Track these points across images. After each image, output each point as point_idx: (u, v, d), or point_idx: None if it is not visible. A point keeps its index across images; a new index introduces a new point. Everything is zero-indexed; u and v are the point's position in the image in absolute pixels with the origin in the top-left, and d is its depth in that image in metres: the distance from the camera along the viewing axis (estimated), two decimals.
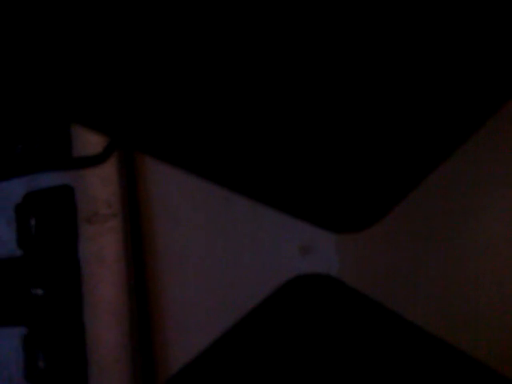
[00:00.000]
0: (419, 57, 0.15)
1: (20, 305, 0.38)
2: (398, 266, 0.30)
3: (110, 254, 0.38)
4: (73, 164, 0.38)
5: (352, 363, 0.20)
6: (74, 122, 0.18)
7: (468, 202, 0.28)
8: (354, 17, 0.13)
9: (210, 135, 0.18)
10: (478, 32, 0.14)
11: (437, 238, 0.29)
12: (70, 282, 0.38)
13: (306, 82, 0.16)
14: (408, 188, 0.21)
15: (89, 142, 0.38)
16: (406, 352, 0.20)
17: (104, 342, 0.37)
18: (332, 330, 0.21)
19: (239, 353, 0.21)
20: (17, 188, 0.40)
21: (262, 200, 0.21)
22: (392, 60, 0.15)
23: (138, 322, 0.37)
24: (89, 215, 0.39)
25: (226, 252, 0.35)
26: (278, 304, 0.22)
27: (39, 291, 0.38)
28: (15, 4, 0.13)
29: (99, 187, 0.39)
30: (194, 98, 0.16)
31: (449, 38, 0.14)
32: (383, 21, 0.14)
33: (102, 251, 0.38)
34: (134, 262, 0.38)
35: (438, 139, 0.19)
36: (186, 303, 0.36)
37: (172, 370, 0.36)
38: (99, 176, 0.39)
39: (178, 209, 0.37)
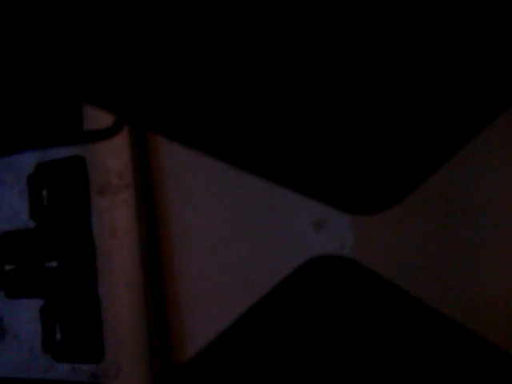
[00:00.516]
0: (429, 56, 0.15)
1: (35, 277, 0.39)
2: (409, 243, 0.29)
3: (123, 226, 0.38)
4: (84, 137, 0.37)
5: (367, 343, 0.20)
6: (85, 101, 0.17)
7: (482, 187, 0.27)
8: (355, 17, 0.13)
9: (224, 114, 0.17)
10: (481, 35, 0.13)
11: (450, 219, 0.28)
12: (83, 253, 0.38)
13: (325, 67, 0.15)
14: (423, 174, 0.21)
15: (100, 115, 0.37)
16: (419, 332, 0.20)
17: (119, 312, 0.37)
18: (349, 310, 0.21)
19: (258, 336, 0.21)
20: (29, 159, 0.40)
21: (278, 181, 0.20)
22: (404, 55, 0.15)
23: (152, 294, 0.38)
24: (101, 186, 0.38)
25: (240, 225, 0.35)
26: (296, 286, 0.22)
27: (53, 263, 0.38)
28: None
29: (111, 158, 0.38)
30: (206, 77, 0.15)
31: (451, 41, 0.14)
32: (385, 22, 0.13)
33: (114, 222, 0.38)
34: (148, 234, 0.38)
35: (453, 128, 0.19)
36: (199, 275, 0.36)
37: (187, 341, 0.36)
38: (111, 147, 0.38)
39: (190, 181, 0.37)
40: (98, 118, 0.37)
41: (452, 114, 0.18)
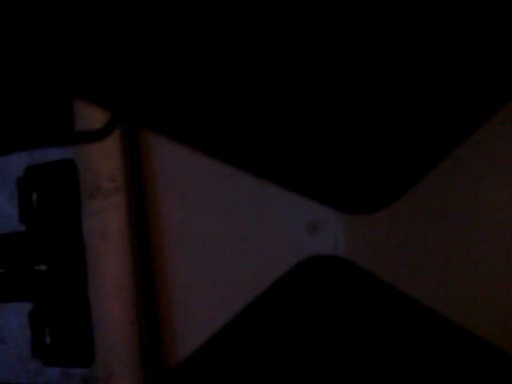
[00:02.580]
0: (426, 52, 0.15)
1: (25, 280, 0.38)
2: (403, 243, 0.30)
3: (114, 229, 0.38)
4: (75, 139, 0.37)
5: (361, 343, 0.20)
6: (78, 97, 0.17)
7: (476, 187, 0.27)
8: (355, 17, 0.13)
9: (218, 110, 0.17)
10: (478, 32, 0.14)
11: (444, 219, 0.28)
12: (73, 256, 0.38)
13: (322, 65, 0.16)
14: (419, 174, 0.21)
15: (91, 116, 0.37)
16: (414, 332, 0.20)
17: (109, 316, 0.37)
18: (343, 310, 0.21)
19: (251, 336, 0.21)
20: (18, 162, 0.40)
21: (272, 179, 0.21)
22: (404, 52, 0.15)
23: (143, 297, 0.37)
24: (92, 190, 0.38)
25: (231, 228, 0.35)
26: (290, 286, 0.22)
27: (43, 266, 0.38)
28: None
29: (102, 161, 0.38)
30: (199, 73, 0.15)
31: (449, 38, 0.14)
32: (383, 21, 0.13)
33: (105, 226, 0.38)
34: (139, 237, 0.38)
35: (447, 128, 0.19)
36: (190, 278, 0.36)
37: (178, 345, 0.36)
38: (101, 150, 0.38)
39: (182, 184, 0.37)
40: (89, 120, 0.37)
41: (446, 114, 0.19)
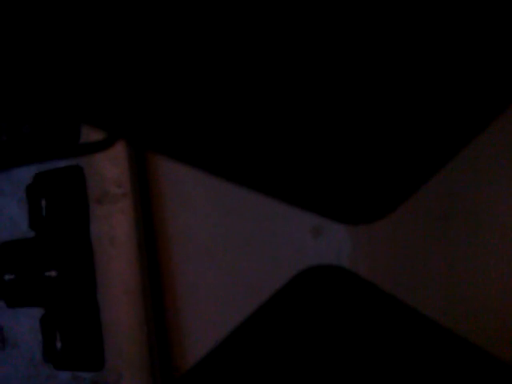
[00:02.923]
0: (428, 52, 0.15)
1: (35, 286, 0.39)
2: (408, 247, 0.30)
3: (122, 234, 0.38)
4: (81, 150, 0.37)
5: (364, 354, 0.20)
6: (81, 122, 0.17)
7: (482, 194, 0.27)
8: (354, 16, 0.13)
9: (216, 130, 0.17)
10: (480, 33, 0.14)
11: (448, 224, 0.28)
12: (82, 262, 0.38)
13: (317, 72, 0.16)
14: (419, 181, 0.21)
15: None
16: (417, 344, 0.20)
17: (118, 320, 0.37)
18: (345, 322, 0.21)
19: (254, 346, 0.21)
20: (27, 169, 0.40)
21: (271, 194, 0.21)
22: (405, 53, 0.15)
23: (151, 302, 0.38)
24: (99, 195, 0.39)
25: (238, 233, 0.35)
26: (291, 296, 0.22)
27: (53, 272, 0.38)
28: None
29: (109, 167, 0.38)
30: (197, 95, 0.15)
31: (450, 39, 0.14)
32: (384, 21, 0.13)
33: (113, 231, 0.38)
34: (146, 243, 0.38)
35: (450, 133, 0.19)
36: (199, 284, 0.37)
37: (187, 348, 0.37)
38: (109, 156, 0.38)
39: (189, 190, 0.37)
40: (95, 128, 0.37)
41: (445, 122, 0.19)
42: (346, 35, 0.13)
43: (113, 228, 0.38)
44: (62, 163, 0.39)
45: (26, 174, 0.40)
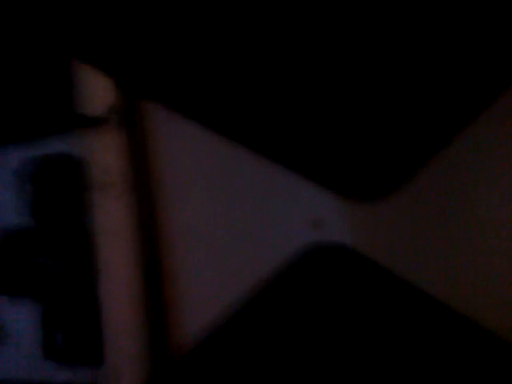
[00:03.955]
0: (421, 46, 0.15)
1: (36, 281, 0.39)
2: (409, 239, 0.30)
3: (120, 224, 0.38)
4: (77, 123, 0.37)
5: (365, 330, 0.20)
6: (87, 63, 0.17)
7: (480, 177, 0.27)
8: (355, 16, 0.14)
9: (233, 93, 0.18)
10: (473, 27, 0.14)
11: (447, 212, 0.28)
12: (82, 255, 0.38)
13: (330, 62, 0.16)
14: (421, 160, 0.21)
15: (92, 105, 0.37)
16: (419, 322, 0.20)
17: (118, 316, 0.37)
18: (347, 299, 0.21)
19: (256, 325, 0.21)
20: (19, 155, 0.40)
21: (280, 162, 0.21)
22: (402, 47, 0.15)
23: (151, 297, 0.38)
24: (98, 184, 0.39)
25: (238, 223, 0.35)
26: (294, 273, 0.22)
27: (52, 264, 0.38)
28: None
29: (108, 157, 0.38)
30: (209, 45, 0.16)
31: (444, 32, 0.14)
32: (381, 16, 0.14)
33: (111, 221, 0.38)
34: (145, 233, 0.38)
35: (448, 115, 0.19)
36: (198, 275, 0.36)
37: (185, 344, 0.36)
38: (107, 145, 0.38)
39: (189, 180, 0.37)
40: (90, 105, 0.37)
41: (444, 103, 0.19)
42: (344, 29, 0.14)
43: (111, 217, 0.38)
44: (61, 148, 0.38)
45: (16, 161, 0.40)
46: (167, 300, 0.38)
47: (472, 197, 0.27)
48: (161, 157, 0.38)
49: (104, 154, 0.38)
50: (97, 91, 0.37)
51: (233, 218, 0.35)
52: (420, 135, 0.20)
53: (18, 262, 0.39)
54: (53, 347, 0.37)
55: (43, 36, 0.16)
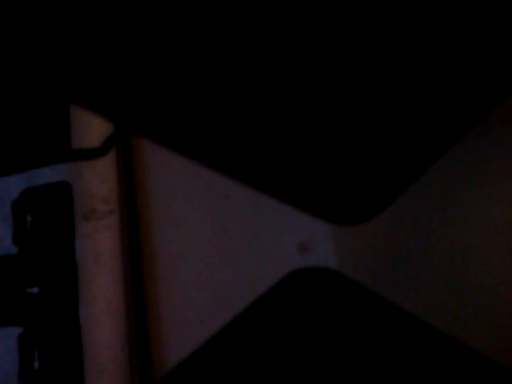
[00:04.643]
0: (419, 51, 0.15)
1: (15, 303, 0.38)
2: (394, 263, 0.30)
3: (107, 252, 0.38)
4: (71, 156, 0.37)
5: (352, 355, 0.19)
6: (76, 103, 0.17)
7: (467, 194, 0.27)
8: (355, 16, 0.13)
9: (215, 122, 0.17)
10: (474, 28, 0.14)
11: (435, 232, 0.28)
12: (66, 279, 0.37)
13: (309, 78, 0.16)
14: (407, 182, 0.21)
15: (88, 135, 0.38)
16: (406, 344, 0.20)
17: (100, 341, 0.36)
18: (332, 323, 0.21)
19: (238, 347, 0.21)
20: (14, 184, 0.40)
21: (263, 189, 0.21)
22: (392, 55, 0.15)
23: (134, 321, 0.37)
24: (86, 212, 0.38)
25: (225, 250, 0.35)
26: (278, 297, 0.21)
27: (35, 289, 0.38)
28: None
29: (96, 183, 0.38)
30: (199, 81, 0.16)
31: (446, 34, 0.14)
32: (381, 15, 0.14)
33: (98, 248, 0.38)
34: (131, 260, 0.38)
35: (435, 134, 0.19)
36: (183, 302, 0.36)
37: (168, 367, 0.35)
38: (96, 172, 0.38)
39: (176, 207, 0.37)
40: (86, 138, 0.37)
41: (431, 123, 0.19)
42: (343, 32, 0.14)
43: (98, 245, 0.38)
44: (51, 176, 0.38)
45: (12, 189, 0.40)
46: (151, 324, 0.37)
47: (458, 220, 0.27)
48: (150, 184, 0.38)
49: (98, 183, 0.38)
50: (93, 124, 0.37)
51: (220, 245, 0.35)
52: (405, 159, 0.20)
53: (0, 285, 0.38)
54: (29, 372, 0.36)
55: (39, 78, 0.16)
